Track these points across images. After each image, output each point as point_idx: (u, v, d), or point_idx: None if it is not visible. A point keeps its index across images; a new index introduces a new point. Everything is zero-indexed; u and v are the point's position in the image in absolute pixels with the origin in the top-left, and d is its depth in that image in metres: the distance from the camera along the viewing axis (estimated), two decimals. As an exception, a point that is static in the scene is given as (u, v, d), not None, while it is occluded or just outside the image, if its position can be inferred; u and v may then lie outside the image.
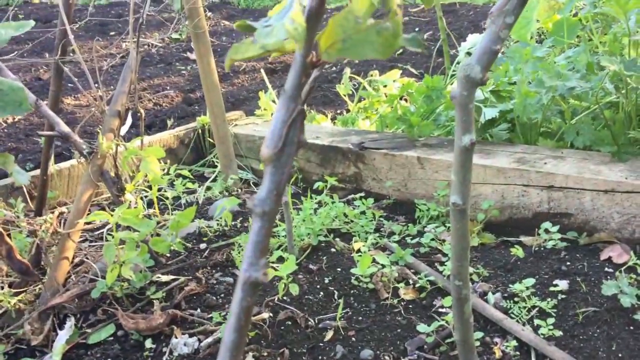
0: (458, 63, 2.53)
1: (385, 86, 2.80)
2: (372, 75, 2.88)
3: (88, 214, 1.66)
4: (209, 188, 2.31)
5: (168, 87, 4.04)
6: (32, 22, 1.29)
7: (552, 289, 1.47)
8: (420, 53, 3.98)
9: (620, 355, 1.25)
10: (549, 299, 1.43)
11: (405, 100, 2.63)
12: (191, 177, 2.25)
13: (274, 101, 2.81)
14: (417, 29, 4.70)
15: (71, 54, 1.97)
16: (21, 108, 1.16)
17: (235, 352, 0.70)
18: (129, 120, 2.20)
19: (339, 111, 3.25)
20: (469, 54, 2.35)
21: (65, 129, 1.67)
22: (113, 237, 1.53)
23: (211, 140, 2.55)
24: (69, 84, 3.89)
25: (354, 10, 0.63)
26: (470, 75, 0.93)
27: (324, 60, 0.67)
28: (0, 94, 1.16)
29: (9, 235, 1.58)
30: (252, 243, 0.70)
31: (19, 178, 1.14)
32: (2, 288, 1.59)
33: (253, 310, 1.43)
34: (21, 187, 2.10)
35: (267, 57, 4.03)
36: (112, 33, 5.89)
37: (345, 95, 2.98)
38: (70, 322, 1.44)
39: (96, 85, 1.77)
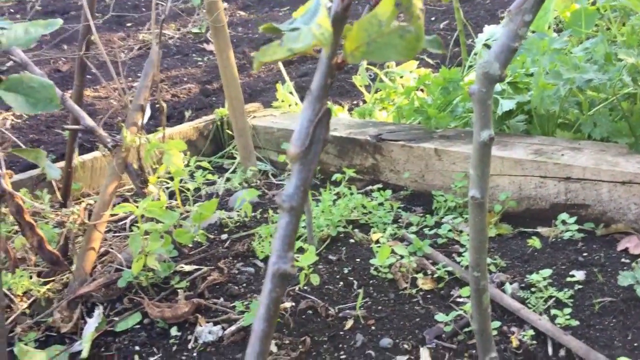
0: (475, 54, 2.54)
1: (401, 77, 2.81)
2: (388, 67, 2.90)
3: (113, 206, 1.71)
4: (228, 179, 2.35)
5: (185, 79, 4.08)
6: (60, 21, 1.32)
7: (568, 279, 1.49)
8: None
9: (635, 344, 1.28)
10: (565, 290, 1.45)
11: (422, 90, 2.64)
12: (211, 168, 2.30)
13: (291, 93, 2.83)
14: (432, 18, 4.69)
15: (91, 46, 2.01)
16: (52, 104, 1.20)
17: (265, 340, 0.73)
18: (148, 111, 2.24)
19: (355, 102, 3.26)
20: (486, 45, 2.35)
21: (91, 123, 1.72)
22: (138, 229, 1.58)
23: (230, 132, 2.59)
24: (88, 75, 3.94)
25: (378, 15, 0.66)
26: (489, 72, 0.95)
27: (349, 62, 0.70)
28: (32, 91, 1.20)
29: (37, 226, 1.63)
30: (280, 237, 0.73)
31: (51, 172, 1.18)
32: (31, 277, 1.64)
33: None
34: (47, 179, 2.15)
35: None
36: (128, 24, 5.94)
37: (361, 86, 2.99)
38: (98, 310, 1.49)
39: (119, 78, 1.81)
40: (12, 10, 6.95)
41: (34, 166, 2.42)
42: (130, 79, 4.05)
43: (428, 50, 0.76)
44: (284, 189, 0.72)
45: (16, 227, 1.85)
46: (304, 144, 0.72)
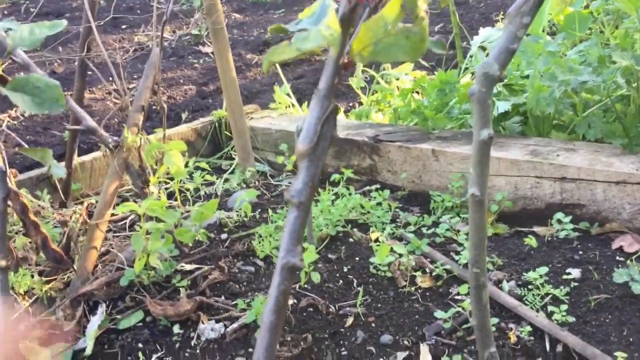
0: (471, 57, 2.57)
1: (397, 79, 2.84)
2: (384, 69, 2.92)
3: (114, 206, 1.72)
4: (227, 180, 2.37)
5: (181, 80, 4.09)
6: (64, 22, 1.34)
7: (565, 277, 1.52)
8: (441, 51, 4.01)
9: (631, 339, 1.30)
10: (562, 287, 1.48)
11: (418, 92, 2.67)
12: (209, 169, 2.31)
13: (288, 94, 2.85)
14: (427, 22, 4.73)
15: (93, 48, 2.03)
16: (58, 104, 1.22)
17: (274, 331, 0.75)
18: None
19: (351, 104, 3.29)
20: (481, 47, 2.38)
21: (92, 123, 1.73)
22: (140, 228, 1.59)
23: (228, 134, 2.61)
24: (85, 78, 3.94)
25: (385, 17, 0.68)
26: (489, 72, 0.97)
27: (356, 62, 0.72)
28: (38, 92, 1.21)
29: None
30: (289, 232, 0.75)
31: (56, 171, 1.20)
32: (33, 276, 1.66)
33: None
34: (46, 180, 2.17)
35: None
36: (123, 26, 5.95)
37: (357, 88, 3.02)
38: (101, 308, 1.51)
39: (119, 79, 1.83)
40: (5, 12, 6.94)
41: (33, 167, 2.43)
42: (127, 80, 4.06)
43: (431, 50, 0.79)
44: (292, 185, 0.75)
45: (17, 227, 1.87)
46: (312, 141, 0.74)
